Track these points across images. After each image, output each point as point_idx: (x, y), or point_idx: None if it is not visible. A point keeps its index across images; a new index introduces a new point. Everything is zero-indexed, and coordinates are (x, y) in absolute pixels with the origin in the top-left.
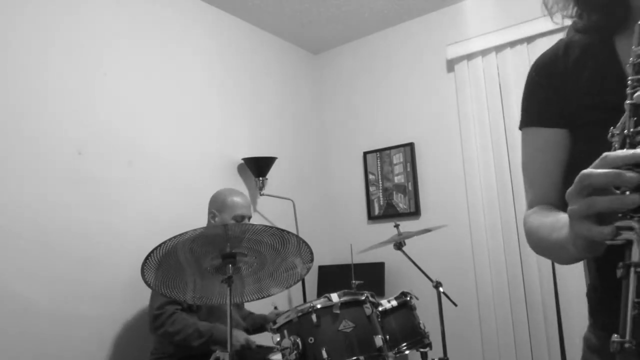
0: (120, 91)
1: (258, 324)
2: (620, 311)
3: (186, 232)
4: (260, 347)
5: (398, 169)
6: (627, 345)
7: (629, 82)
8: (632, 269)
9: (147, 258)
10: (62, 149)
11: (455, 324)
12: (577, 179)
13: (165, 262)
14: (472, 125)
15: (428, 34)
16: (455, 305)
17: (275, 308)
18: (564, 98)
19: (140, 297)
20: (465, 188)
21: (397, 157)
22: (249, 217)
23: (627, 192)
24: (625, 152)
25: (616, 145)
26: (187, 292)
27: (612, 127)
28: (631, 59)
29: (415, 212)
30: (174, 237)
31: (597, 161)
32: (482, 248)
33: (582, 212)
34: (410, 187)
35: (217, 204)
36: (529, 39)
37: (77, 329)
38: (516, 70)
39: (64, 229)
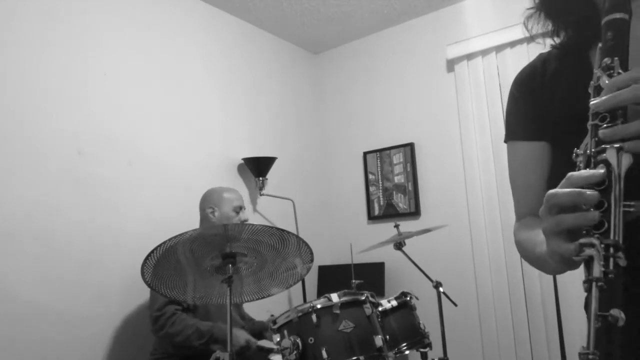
0: (120, 91)
1: (257, 331)
2: (586, 324)
3: (186, 232)
4: (261, 348)
5: (398, 169)
6: (590, 357)
7: (590, 104)
8: (594, 284)
9: (147, 258)
10: (62, 149)
11: (455, 324)
12: (545, 198)
13: (165, 262)
14: (472, 125)
15: (428, 34)
16: (455, 305)
17: (272, 316)
18: (543, 111)
19: (140, 297)
20: (465, 188)
21: (397, 157)
22: (244, 208)
23: (591, 210)
24: (587, 172)
25: (581, 165)
26: (187, 292)
27: (576, 148)
28: (592, 81)
29: (415, 212)
30: (174, 237)
31: (563, 181)
32: (482, 248)
33: (552, 229)
34: (410, 187)
35: (214, 199)
36: (529, 39)
37: (77, 329)
38: (516, 70)
39: (64, 229)
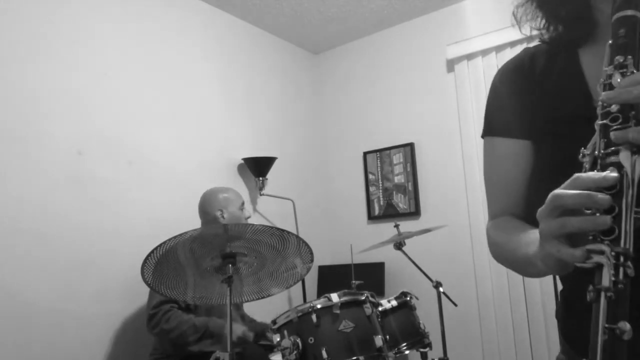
0: (121, 91)
1: (259, 332)
2: (591, 336)
3: (186, 232)
4: (257, 341)
5: (398, 169)
6: None
7: (599, 102)
8: (603, 294)
9: (147, 258)
10: (62, 149)
11: (455, 324)
12: (548, 199)
13: (165, 262)
14: (472, 125)
15: (428, 34)
16: (455, 305)
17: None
18: (528, 109)
19: (140, 297)
20: (465, 188)
21: (397, 157)
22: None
23: (597, 214)
24: (597, 174)
25: (587, 166)
26: (187, 292)
27: (582, 148)
28: (601, 79)
29: (415, 212)
30: (174, 237)
31: (568, 182)
32: (482, 248)
33: (554, 232)
34: (410, 187)
35: (219, 201)
36: (529, 39)
37: (77, 329)
38: None
39: (64, 229)
